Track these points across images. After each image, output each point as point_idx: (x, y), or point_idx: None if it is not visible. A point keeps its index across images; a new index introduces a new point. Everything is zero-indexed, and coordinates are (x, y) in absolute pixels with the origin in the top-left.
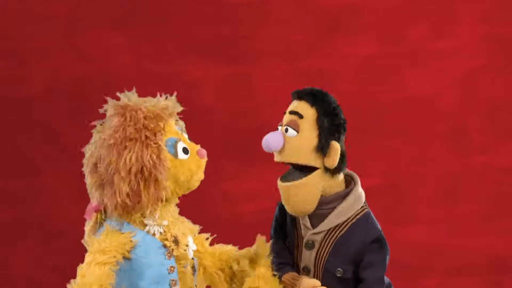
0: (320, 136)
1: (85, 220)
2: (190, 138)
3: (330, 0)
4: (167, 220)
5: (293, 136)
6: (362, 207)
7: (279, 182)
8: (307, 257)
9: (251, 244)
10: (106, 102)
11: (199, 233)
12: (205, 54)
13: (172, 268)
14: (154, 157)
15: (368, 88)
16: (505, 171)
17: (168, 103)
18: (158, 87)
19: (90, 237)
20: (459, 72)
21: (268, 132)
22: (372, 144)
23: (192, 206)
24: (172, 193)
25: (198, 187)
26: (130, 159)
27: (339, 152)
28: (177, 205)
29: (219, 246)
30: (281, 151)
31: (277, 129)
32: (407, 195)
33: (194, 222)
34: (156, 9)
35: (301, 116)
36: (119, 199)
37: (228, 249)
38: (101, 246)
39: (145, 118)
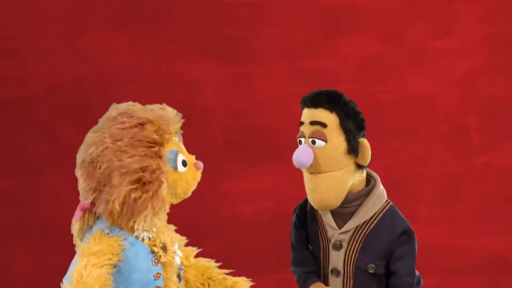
0: (348, 139)
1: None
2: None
3: (330, 0)
4: (157, 226)
5: (322, 146)
6: (386, 201)
7: (306, 174)
8: (335, 258)
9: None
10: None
11: (186, 245)
12: (205, 54)
13: (159, 275)
14: (156, 169)
15: (368, 88)
16: (505, 171)
17: (173, 116)
18: (158, 87)
19: (79, 241)
20: (459, 72)
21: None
22: (372, 144)
23: (192, 206)
24: (167, 203)
25: (198, 187)
26: (133, 167)
27: (370, 148)
28: (177, 204)
29: (202, 261)
30: (312, 164)
31: (299, 142)
32: (407, 195)
33: (194, 222)
34: (156, 9)
35: (324, 125)
36: (115, 205)
37: (212, 268)
38: (93, 249)
39: (151, 129)
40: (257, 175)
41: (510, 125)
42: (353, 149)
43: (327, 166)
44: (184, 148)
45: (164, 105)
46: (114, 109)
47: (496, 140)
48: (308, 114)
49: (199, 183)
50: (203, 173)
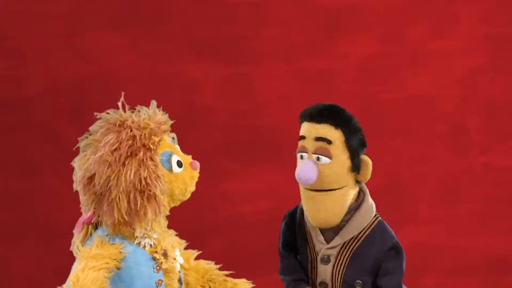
0: (352, 157)
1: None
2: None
3: (330, 0)
4: (157, 232)
5: (327, 163)
6: (375, 216)
7: (305, 192)
8: (323, 272)
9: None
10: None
11: (185, 248)
12: (205, 54)
13: (160, 282)
14: (152, 174)
15: (368, 88)
16: (505, 171)
17: (162, 118)
18: (158, 87)
19: (81, 247)
20: (459, 72)
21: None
22: (372, 144)
23: (192, 206)
24: (166, 207)
25: (198, 187)
26: (129, 176)
27: (371, 165)
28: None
29: (202, 263)
30: (316, 180)
31: (300, 157)
32: (407, 195)
33: (194, 223)
34: (156, 9)
35: (329, 142)
36: (117, 216)
37: (212, 270)
38: (92, 253)
39: (141, 135)
40: (257, 175)
41: (510, 125)
42: (356, 167)
43: (330, 183)
44: (178, 149)
45: (152, 106)
46: (97, 123)
47: (496, 140)
48: (311, 129)
49: (199, 183)
50: (203, 173)
